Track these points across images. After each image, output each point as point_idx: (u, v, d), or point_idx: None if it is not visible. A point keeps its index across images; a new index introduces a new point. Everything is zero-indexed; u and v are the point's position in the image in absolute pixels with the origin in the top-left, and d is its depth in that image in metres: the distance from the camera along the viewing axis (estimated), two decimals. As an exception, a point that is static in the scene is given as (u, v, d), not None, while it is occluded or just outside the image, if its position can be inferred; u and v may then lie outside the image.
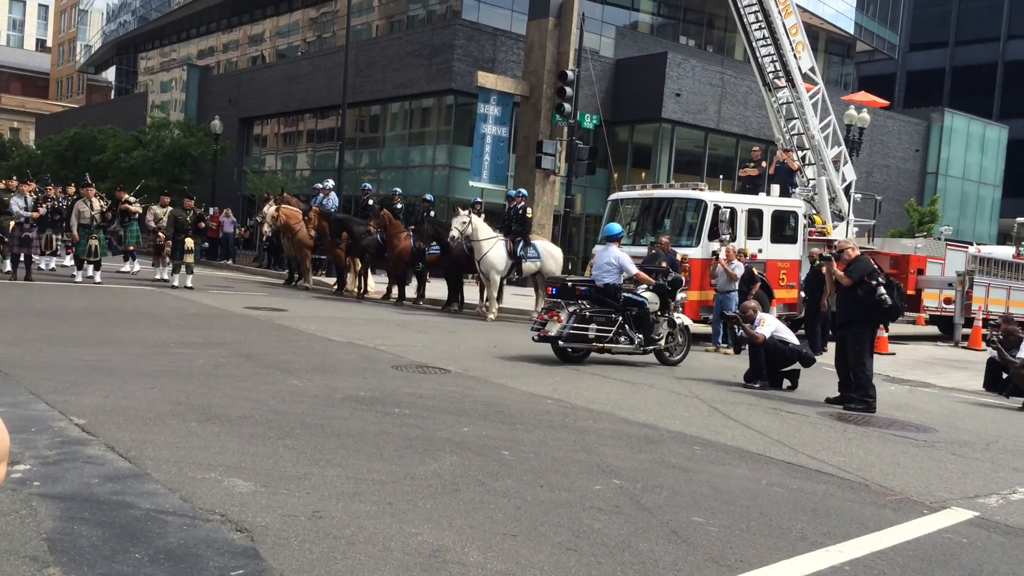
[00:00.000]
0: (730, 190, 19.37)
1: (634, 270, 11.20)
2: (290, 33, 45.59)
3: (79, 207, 17.00)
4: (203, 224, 18.07)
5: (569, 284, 11.03)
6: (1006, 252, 24.86)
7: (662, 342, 11.41)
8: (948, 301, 19.64)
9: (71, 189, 20.26)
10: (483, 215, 17.01)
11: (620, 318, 10.93)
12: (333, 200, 20.86)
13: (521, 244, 16.32)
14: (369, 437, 5.93)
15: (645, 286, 11.34)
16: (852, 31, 45.00)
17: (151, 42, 59.11)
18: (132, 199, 19.22)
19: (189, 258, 17.23)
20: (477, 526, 4.29)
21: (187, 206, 17.87)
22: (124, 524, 3.91)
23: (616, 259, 11.13)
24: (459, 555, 3.88)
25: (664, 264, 13.79)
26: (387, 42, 34.11)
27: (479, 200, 18.48)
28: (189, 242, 17.23)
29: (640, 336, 11.07)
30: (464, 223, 15.71)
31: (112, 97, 67.33)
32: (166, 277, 18.15)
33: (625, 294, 11.03)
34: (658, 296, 11.42)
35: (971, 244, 24.63)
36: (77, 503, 4.14)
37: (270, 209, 19.79)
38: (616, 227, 11.79)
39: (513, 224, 16.67)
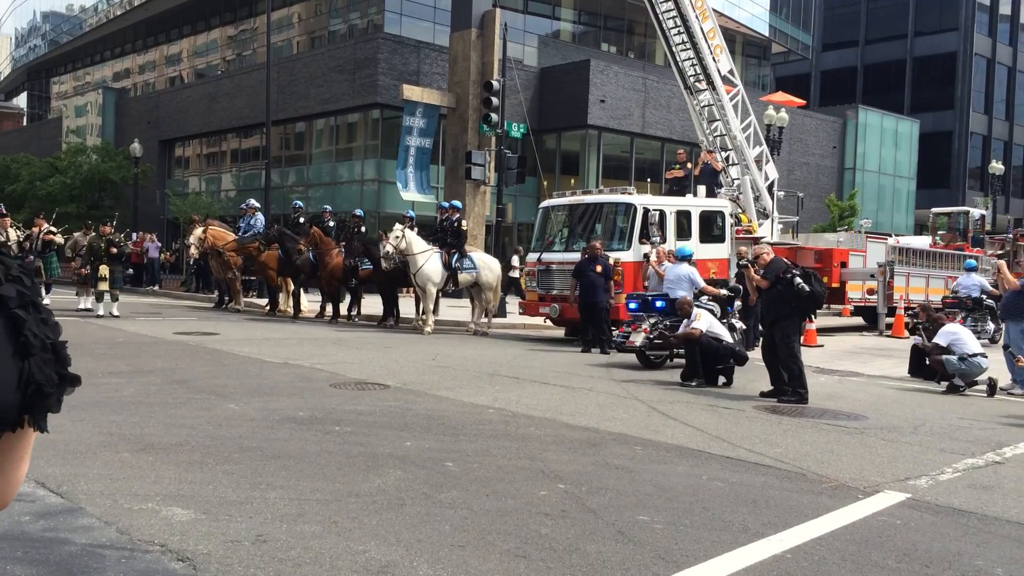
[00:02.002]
0: (658, 193, 19.67)
1: (703, 284, 12.79)
2: (208, 52, 44.82)
3: (-7, 238, 16.41)
4: (115, 249, 17.41)
5: (649, 299, 12.38)
6: (923, 242, 25.81)
7: None
8: (871, 292, 20.24)
9: None
10: (415, 229, 16.96)
11: None
12: (260, 220, 20.52)
13: (457, 256, 16.29)
14: (310, 457, 5.85)
15: (707, 297, 12.40)
16: (767, 33, 46.25)
17: (64, 66, 57.51)
18: (54, 229, 18.59)
19: (103, 285, 16.76)
20: (425, 539, 4.27)
21: (104, 232, 17.43)
22: (59, 561, 3.79)
23: (687, 275, 12.84)
24: (408, 570, 3.86)
25: (599, 268, 14.05)
26: (309, 58, 33.80)
27: (411, 214, 18.35)
28: (103, 269, 16.76)
29: None
30: (397, 238, 15.65)
31: (24, 124, 65.28)
32: (89, 306, 17.64)
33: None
34: (719, 305, 12.46)
35: (890, 236, 25.45)
36: (8, 542, 4.00)
37: (197, 231, 19.41)
38: (688, 249, 13.72)
39: (448, 237, 16.62)
